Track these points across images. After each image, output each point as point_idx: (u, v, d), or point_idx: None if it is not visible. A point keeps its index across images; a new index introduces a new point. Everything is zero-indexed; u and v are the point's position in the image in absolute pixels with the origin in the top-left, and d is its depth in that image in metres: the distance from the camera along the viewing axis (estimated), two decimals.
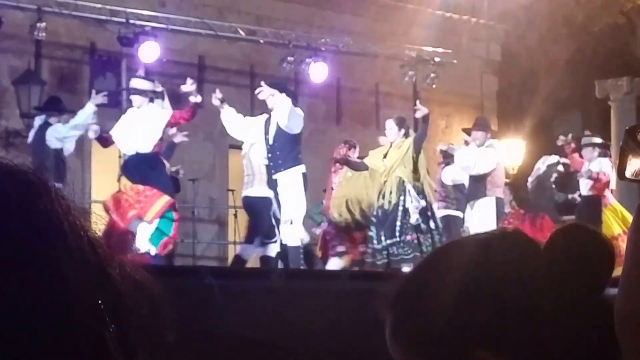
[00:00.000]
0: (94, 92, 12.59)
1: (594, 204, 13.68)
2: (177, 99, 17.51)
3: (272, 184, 11.48)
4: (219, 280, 8.95)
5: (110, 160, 14.17)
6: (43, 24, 14.65)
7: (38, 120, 12.53)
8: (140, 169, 11.40)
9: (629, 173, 1.32)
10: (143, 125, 11.42)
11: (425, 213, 11.70)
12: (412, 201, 11.59)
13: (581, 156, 14.02)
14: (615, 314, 1.26)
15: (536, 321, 1.27)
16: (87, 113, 12.07)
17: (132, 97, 11.81)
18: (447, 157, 13.82)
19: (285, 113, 11.17)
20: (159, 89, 11.97)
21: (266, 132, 11.48)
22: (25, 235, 0.85)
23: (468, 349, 1.27)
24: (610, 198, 13.72)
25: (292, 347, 8.21)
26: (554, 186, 14.70)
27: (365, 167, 12.20)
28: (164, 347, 0.93)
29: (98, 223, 0.92)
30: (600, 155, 13.84)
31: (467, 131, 13.39)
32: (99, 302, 0.87)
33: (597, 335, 1.29)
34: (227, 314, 8.48)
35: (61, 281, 0.84)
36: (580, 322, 1.29)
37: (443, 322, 1.29)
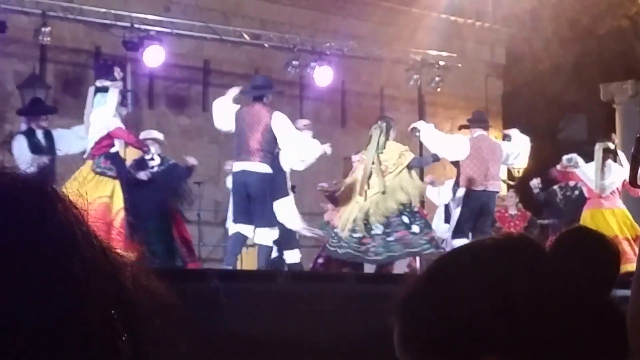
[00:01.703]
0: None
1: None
2: (181, 102, 17.58)
3: None
4: (225, 283, 8.96)
5: None
6: (48, 29, 14.67)
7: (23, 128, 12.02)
8: None
9: None
10: None
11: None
12: None
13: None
14: (627, 321, 1.27)
15: (543, 325, 1.27)
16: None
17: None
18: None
19: None
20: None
21: None
22: (38, 245, 0.84)
23: (476, 353, 1.27)
24: (616, 201, 13.63)
25: (299, 350, 8.21)
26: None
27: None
28: (177, 356, 0.94)
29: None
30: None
31: (466, 127, 13.33)
32: (112, 311, 0.87)
33: (604, 337, 1.29)
34: (233, 317, 8.48)
35: (74, 291, 0.85)
36: (587, 325, 1.29)
37: (451, 328, 1.29)
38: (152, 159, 12.52)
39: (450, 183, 13.53)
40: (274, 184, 11.85)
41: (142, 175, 12.26)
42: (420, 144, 17.78)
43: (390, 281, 9.31)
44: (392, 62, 18.10)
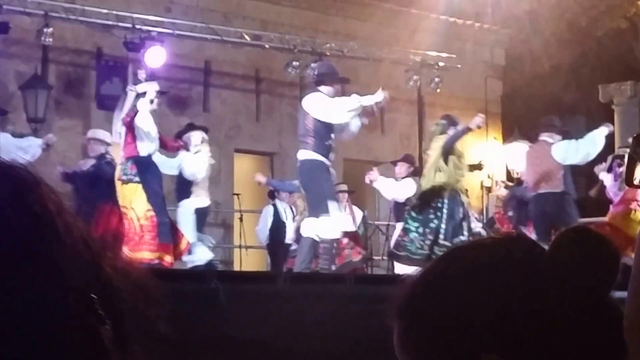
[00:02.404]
0: (50, 135, 12.39)
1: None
2: (182, 103, 17.62)
3: None
4: (225, 284, 8.97)
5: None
6: (50, 29, 14.69)
7: None
8: None
9: (637, 180, 1.33)
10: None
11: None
12: None
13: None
14: (624, 321, 1.28)
15: (542, 324, 1.28)
16: (36, 143, 11.96)
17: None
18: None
19: None
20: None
21: None
22: (17, 231, 0.85)
23: (475, 353, 1.28)
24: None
25: (298, 351, 8.25)
26: None
27: None
28: (160, 340, 0.94)
29: None
30: None
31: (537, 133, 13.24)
32: (93, 296, 0.87)
33: (602, 337, 1.29)
34: (232, 318, 8.50)
35: (54, 277, 0.85)
36: (586, 324, 1.29)
37: (449, 327, 1.30)
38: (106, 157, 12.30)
39: (405, 181, 13.77)
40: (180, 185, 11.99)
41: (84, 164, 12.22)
42: (420, 142, 17.88)
43: (389, 282, 9.35)
44: (392, 63, 18.13)
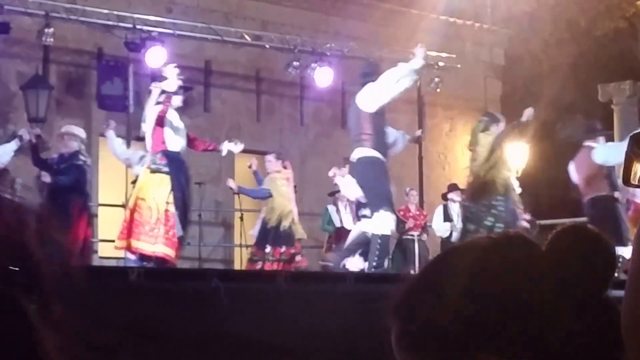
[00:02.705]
0: (22, 130, 12.29)
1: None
2: (183, 104, 17.63)
3: None
4: (226, 283, 9.00)
5: (117, 163, 14.28)
6: (51, 30, 14.73)
7: None
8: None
9: (634, 179, 1.32)
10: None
11: None
12: None
13: None
14: (622, 322, 1.26)
15: (540, 323, 1.28)
16: (8, 149, 11.87)
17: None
18: None
19: None
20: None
21: None
22: None
23: (472, 352, 1.29)
24: None
25: (298, 350, 8.28)
26: None
27: None
28: (79, 303, 0.94)
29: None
30: None
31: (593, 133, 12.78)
32: (10, 267, 0.89)
33: (600, 336, 1.30)
34: (233, 317, 8.52)
35: None
36: (584, 323, 1.30)
37: (447, 327, 1.30)
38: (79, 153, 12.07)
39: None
40: None
41: (46, 176, 11.92)
42: (420, 144, 17.90)
43: (389, 281, 9.37)
44: (392, 63, 18.15)
